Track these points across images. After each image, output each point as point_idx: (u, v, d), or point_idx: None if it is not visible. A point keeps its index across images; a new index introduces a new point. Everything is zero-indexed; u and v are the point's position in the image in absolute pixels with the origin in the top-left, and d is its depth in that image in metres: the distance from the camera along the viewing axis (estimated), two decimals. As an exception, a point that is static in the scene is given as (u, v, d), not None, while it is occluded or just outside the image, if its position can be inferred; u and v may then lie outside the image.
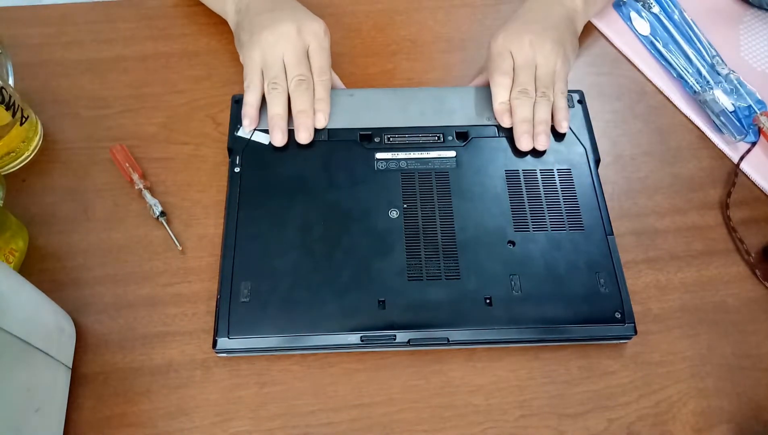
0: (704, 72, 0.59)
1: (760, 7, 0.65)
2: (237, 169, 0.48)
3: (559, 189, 0.48)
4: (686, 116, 0.57)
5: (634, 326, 0.43)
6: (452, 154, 0.50)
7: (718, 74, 0.59)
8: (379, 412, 0.42)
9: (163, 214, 0.49)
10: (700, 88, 0.58)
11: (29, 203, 0.50)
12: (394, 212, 0.47)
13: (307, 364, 0.44)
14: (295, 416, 0.42)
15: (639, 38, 0.62)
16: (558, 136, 0.51)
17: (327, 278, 0.44)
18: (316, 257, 0.44)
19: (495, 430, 0.42)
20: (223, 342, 0.42)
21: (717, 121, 0.56)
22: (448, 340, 0.42)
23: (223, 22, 0.59)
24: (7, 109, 0.48)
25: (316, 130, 0.50)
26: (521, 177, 0.49)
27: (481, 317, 0.43)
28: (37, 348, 0.38)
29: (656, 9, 0.64)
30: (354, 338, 0.42)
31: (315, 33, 0.50)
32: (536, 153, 0.50)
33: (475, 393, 0.43)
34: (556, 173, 0.49)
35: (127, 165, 0.51)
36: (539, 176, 0.49)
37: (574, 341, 0.44)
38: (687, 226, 0.51)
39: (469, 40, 0.62)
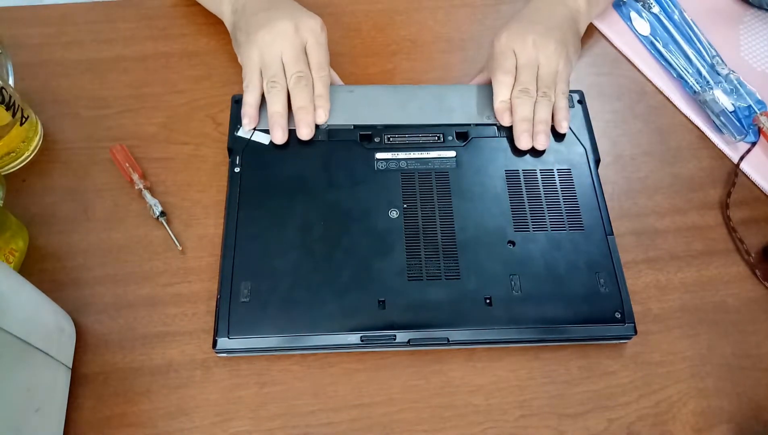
0: (704, 72, 0.59)
1: (760, 7, 0.65)
2: (237, 169, 0.48)
3: (559, 189, 0.48)
4: (686, 116, 0.57)
5: (634, 326, 0.43)
6: (452, 154, 0.50)
7: (718, 74, 0.59)
8: (379, 412, 0.42)
9: (163, 214, 0.49)
10: (700, 88, 0.58)
11: (29, 203, 0.50)
12: (394, 212, 0.47)
13: (307, 364, 0.44)
14: (295, 416, 0.42)
15: (639, 38, 0.62)
16: (558, 136, 0.51)
17: (327, 278, 0.44)
18: (316, 257, 0.44)
19: (495, 430, 0.42)
20: (223, 342, 0.42)
21: (717, 121, 0.56)
22: (448, 340, 0.42)
23: (223, 22, 0.59)
24: (7, 109, 0.48)
25: (317, 129, 0.50)
26: (521, 177, 0.49)
27: (481, 317, 0.43)
28: (37, 348, 0.38)
29: (656, 9, 0.64)
30: (354, 338, 0.42)
31: (312, 29, 0.50)
32: (536, 153, 0.50)
33: (475, 393, 0.43)
34: (556, 173, 0.49)
35: (127, 165, 0.51)
36: (539, 176, 0.49)
37: (574, 341, 0.44)
38: (687, 226, 0.51)
39: (469, 40, 0.62)
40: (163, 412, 0.42)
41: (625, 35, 0.63)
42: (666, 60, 0.60)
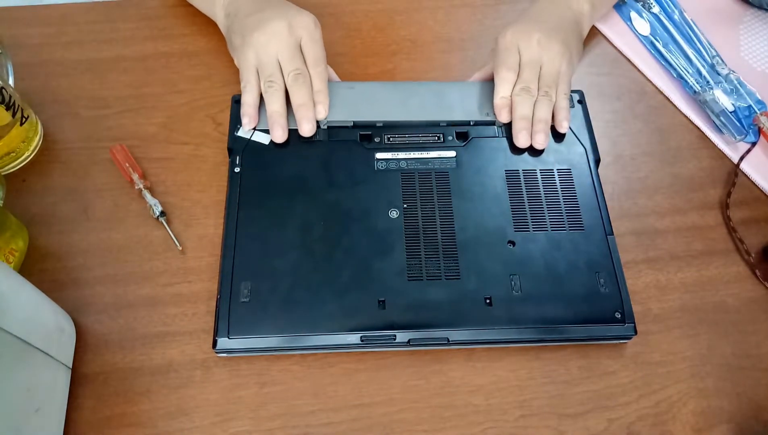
0: (704, 72, 0.59)
1: (760, 7, 0.65)
2: (237, 169, 0.48)
3: (559, 189, 0.48)
4: (686, 116, 0.57)
5: (634, 326, 0.43)
6: (452, 154, 0.50)
7: (718, 74, 0.59)
8: (379, 412, 0.42)
9: (163, 214, 0.49)
10: (700, 88, 0.58)
11: (29, 203, 0.50)
12: (394, 212, 0.47)
13: (307, 364, 0.44)
14: (295, 416, 0.42)
15: (639, 38, 0.62)
16: (558, 136, 0.51)
17: (327, 278, 0.44)
18: (316, 257, 0.44)
19: (495, 430, 0.42)
20: (223, 342, 0.42)
21: (717, 121, 0.56)
22: (448, 340, 0.42)
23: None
24: (7, 109, 0.48)
25: (317, 127, 0.50)
26: (521, 177, 0.49)
27: (481, 317, 0.43)
28: (37, 348, 0.38)
29: (656, 9, 0.64)
30: (354, 338, 0.42)
31: (305, 26, 0.50)
32: (536, 153, 0.50)
33: (475, 393, 0.43)
34: (556, 173, 0.49)
35: (127, 165, 0.51)
36: (539, 176, 0.49)
37: (574, 341, 0.44)
38: (687, 226, 0.51)
39: (469, 40, 0.62)
40: (163, 412, 0.42)
41: (625, 35, 0.63)
42: (666, 60, 0.60)
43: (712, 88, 0.58)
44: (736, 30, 0.63)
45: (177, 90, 0.57)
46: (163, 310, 0.46)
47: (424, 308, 0.43)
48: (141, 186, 0.50)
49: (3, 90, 0.48)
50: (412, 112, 0.52)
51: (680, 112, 0.58)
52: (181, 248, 0.48)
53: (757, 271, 0.49)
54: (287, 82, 0.49)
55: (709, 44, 0.61)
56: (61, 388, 0.41)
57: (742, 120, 0.56)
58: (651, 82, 0.60)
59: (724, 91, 0.57)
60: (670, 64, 0.60)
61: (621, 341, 0.45)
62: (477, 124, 0.52)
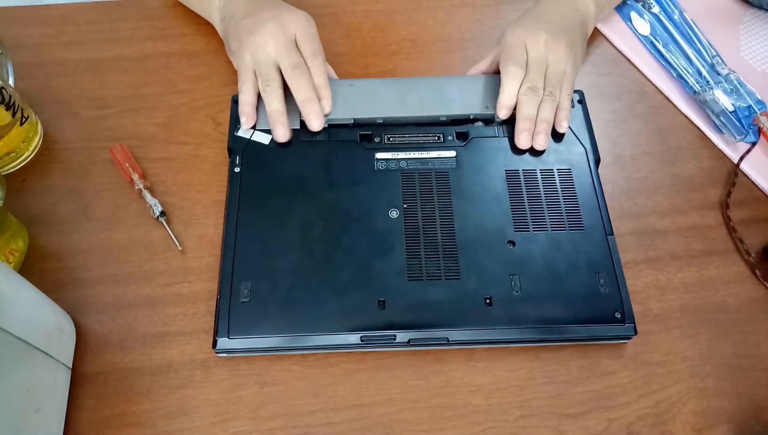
0: (704, 72, 0.59)
1: (760, 7, 0.65)
2: (237, 169, 0.48)
3: (559, 189, 0.48)
4: (686, 116, 0.57)
5: (634, 326, 0.43)
6: (452, 154, 0.50)
7: (718, 74, 0.59)
8: (379, 412, 0.42)
9: (163, 214, 0.49)
10: (700, 88, 0.58)
11: (29, 203, 0.50)
12: (394, 212, 0.47)
13: (307, 364, 0.44)
14: (295, 416, 0.42)
15: (639, 38, 0.62)
16: (558, 136, 0.51)
17: (327, 278, 0.44)
18: (316, 257, 0.44)
19: (495, 430, 0.42)
20: (223, 342, 0.42)
21: (717, 121, 0.56)
22: (448, 340, 0.42)
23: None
24: (7, 109, 0.48)
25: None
26: (521, 177, 0.49)
27: (481, 317, 0.43)
28: (37, 348, 0.38)
29: (656, 9, 0.64)
30: (354, 338, 0.42)
31: (296, 22, 0.50)
32: (536, 153, 0.50)
33: (475, 393, 0.43)
34: (556, 173, 0.49)
35: (127, 165, 0.51)
36: (539, 176, 0.49)
37: (574, 341, 0.44)
38: (687, 226, 0.51)
39: (469, 40, 0.62)
40: (163, 412, 0.42)
41: (625, 35, 0.63)
42: (666, 60, 0.60)
43: (712, 88, 0.58)
44: (736, 30, 0.63)
45: (177, 90, 0.57)
46: (163, 310, 0.46)
47: (424, 308, 0.43)
48: (141, 186, 0.50)
49: (3, 90, 0.48)
50: (412, 107, 0.52)
51: (680, 112, 0.58)
52: (181, 248, 0.48)
53: (757, 271, 0.49)
54: (286, 77, 0.49)
55: (709, 44, 0.61)
56: (61, 388, 0.41)
57: (742, 120, 0.56)
58: (651, 82, 0.60)
59: (724, 91, 0.57)
60: (670, 64, 0.60)
61: (621, 341, 0.45)
62: (477, 117, 0.52)
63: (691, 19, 0.63)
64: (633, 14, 0.64)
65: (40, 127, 0.53)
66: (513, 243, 0.46)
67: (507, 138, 0.51)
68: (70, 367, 0.42)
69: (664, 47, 0.61)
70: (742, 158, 0.54)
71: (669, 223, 0.51)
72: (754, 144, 0.55)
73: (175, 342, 0.45)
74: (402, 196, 0.47)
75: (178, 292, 0.46)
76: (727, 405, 0.43)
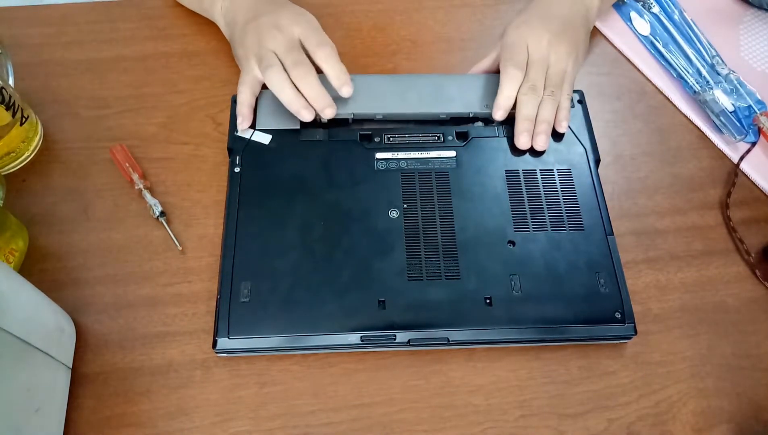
0: (704, 72, 0.59)
1: (760, 7, 0.65)
2: (237, 169, 0.48)
3: (559, 189, 0.48)
4: (686, 116, 0.57)
5: (634, 326, 0.43)
6: (452, 154, 0.50)
7: (718, 74, 0.59)
8: (379, 412, 0.42)
9: (163, 214, 0.49)
10: (700, 88, 0.58)
11: (29, 203, 0.50)
12: (394, 212, 0.47)
13: (307, 364, 0.44)
14: (295, 416, 0.42)
15: (639, 38, 0.62)
16: (557, 136, 0.51)
17: (327, 278, 0.44)
18: (316, 257, 0.44)
19: (495, 430, 0.42)
20: (223, 342, 0.42)
21: (717, 121, 0.56)
22: (448, 340, 0.42)
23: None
24: (7, 109, 0.48)
25: (317, 126, 0.50)
26: (521, 177, 0.49)
27: (481, 317, 0.43)
28: (37, 348, 0.38)
29: (656, 9, 0.64)
30: (354, 338, 0.42)
31: (296, 20, 0.50)
32: (536, 153, 0.50)
33: (475, 393, 0.43)
34: (556, 173, 0.49)
35: (127, 165, 0.51)
36: (539, 176, 0.49)
37: (574, 341, 0.44)
38: (687, 226, 0.51)
39: (469, 40, 0.62)
40: (163, 412, 0.42)
41: (625, 35, 0.63)
42: (666, 60, 0.60)
43: (712, 88, 0.58)
44: (736, 30, 0.63)
45: (177, 90, 0.57)
46: (163, 310, 0.46)
47: (424, 308, 0.43)
48: (141, 186, 0.50)
49: (3, 90, 0.48)
50: (411, 104, 0.52)
51: (680, 112, 0.58)
52: (181, 248, 0.48)
53: (757, 271, 0.49)
54: (291, 77, 0.48)
55: (709, 44, 0.61)
56: (61, 388, 0.41)
57: (742, 120, 0.56)
58: (651, 82, 0.60)
59: (724, 91, 0.57)
60: (670, 64, 0.60)
61: (621, 341, 0.45)
62: (477, 116, 0.52)
63: (691, 19, 0.63)
64: (633, 14, 0.64)
65: (40, 127, 0.53)
66: (513, 243, 0.46)
67: (507, 138, 0.51)
68: (70, 367, 0.42)
69: (664, 47, 0.61)
70: (742, 158, 0.54)
71: (669, 223, 0.51)
72: (754, 144, 0.55)
73: (175, 342, 0.45)
74: (402, 196, 0.47)
75: (178, 292, 0.46)
76: (727, 405, 0.43)
